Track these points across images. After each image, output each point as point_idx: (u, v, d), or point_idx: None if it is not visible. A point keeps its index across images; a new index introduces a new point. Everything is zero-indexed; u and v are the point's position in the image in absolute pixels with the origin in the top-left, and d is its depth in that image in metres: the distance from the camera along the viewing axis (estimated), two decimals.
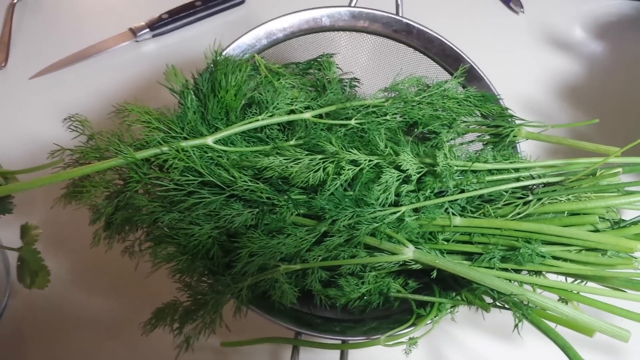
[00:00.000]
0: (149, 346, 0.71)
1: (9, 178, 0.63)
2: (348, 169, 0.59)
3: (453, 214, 0.60)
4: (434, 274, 0.60)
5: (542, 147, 0.87)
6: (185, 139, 0.61)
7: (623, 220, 0.60)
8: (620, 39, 1.11)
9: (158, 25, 1.06)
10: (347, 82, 0.78)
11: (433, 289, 0.63)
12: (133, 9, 1.12)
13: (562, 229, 0.57)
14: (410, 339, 0.59)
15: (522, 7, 1.13)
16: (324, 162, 0.60)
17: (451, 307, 0.61)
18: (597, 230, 0.58)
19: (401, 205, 0.60)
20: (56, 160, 0.60)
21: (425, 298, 0.61)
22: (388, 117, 0.67)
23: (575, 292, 0.59)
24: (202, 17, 1.10)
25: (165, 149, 0.59)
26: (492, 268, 0.58)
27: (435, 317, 0.60)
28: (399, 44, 0.77)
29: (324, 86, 0.73)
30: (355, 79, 0.78)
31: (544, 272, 0.59)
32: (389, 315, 0.65)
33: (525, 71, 1.04)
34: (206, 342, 0.57)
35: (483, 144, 0.71)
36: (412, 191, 0.61)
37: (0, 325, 0.72)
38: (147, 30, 1.05)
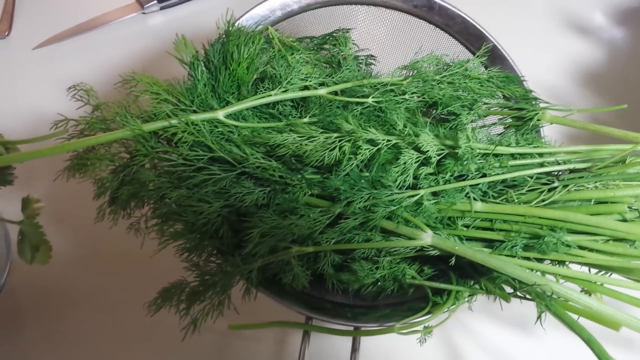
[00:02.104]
0: (152, 327, 0.69)
1: (10, 148, 0.61)
2: (365, 149, 0.57)
3: (474, 199, 0.58)
4: (452, 261, 0.57)
5: (562, 133, 0.84)
6: (195, 112, 0.59)
7: None
8: None
9: None
10: (362, 59, 0.75)
11: (450, 277, 0.60)
12: None
13: (589, 217, 0.55)
14: (425, 327, 0.57)
15: None
16: (340, 140, 0.57)
17: (469, 295, 0.58)
18: (625, 220, 0.56)
19: (420, 188, 0.57)
20: (59, 131, 0.57)
21: (443, 286, 0.59)
22: (407, 97, 0.64)
23: (600, 283, 0.56)
24: None
25: (174, 121, 0.56)
26: (514, 256, 0.56)
27: (452, 305, 0.57)
28: (419, 21, 0.74)
29: (339, 62, 0.71)
30: (372, 56, 0.75)
31: (567, 262, 0.57)
32: (402, 303, 0.63)
33: (544, 55, 1.01)
34: (213, 324, 0.54)
35: (505, 127, 0.68)
36: (431, 174, 0.59)
37: (0, 300, 0.70)
38: (155, 2, 1.02)
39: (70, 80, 0.90)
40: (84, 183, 0.57)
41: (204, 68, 0.61)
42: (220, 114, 0.59)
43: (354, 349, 0.60)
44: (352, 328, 0.59)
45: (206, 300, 0.55)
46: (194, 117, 0.57)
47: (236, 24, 0.66)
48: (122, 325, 0.71)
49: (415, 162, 0.57)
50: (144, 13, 1.02)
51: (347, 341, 0.61)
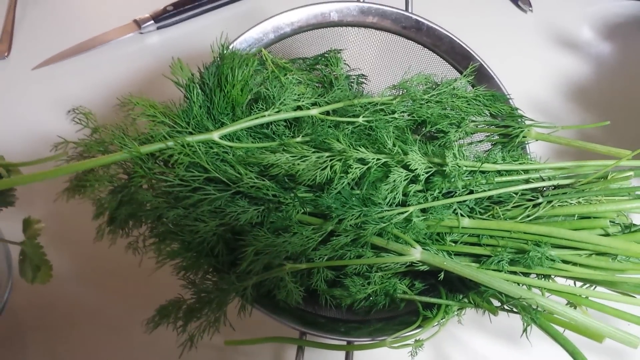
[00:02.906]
0: (151, 343, 0.70)
1: (12, 170, 0.62)
2: (356, 168, 0.58)
3: (461, 215, 0.60)
4: (441, 275, 0.59)
5: (550, 148, 0.86)
6: (191, 133, 0.60)
7: (634, 225, 0.59)
8: (628, 39, 1.10)
9: (163, 17, 1.05)
10: (354, 79, 0.77)
11: (440, 291, 0.62)
12: (137, 0, 1.10)
13: (573, 232, 0.56)
14: (416, 341, 0.58)
15: (530, 5, 1.12)
16: (331, 160, 0.59)
17: (458, 309, 0.60)
18: (607, 235, 0.58)
19: (409, 205, 0.59)
20: (59, 153, 0.59)
21: (432, 300, 0.60)
22: (396, 115, 0.66)
23: (584, 296, 0.58)
24: (208, 9, 1.08)
25: (170, 143, 0.58)
26: (501, 271, 0.57)
27: (442, 319, 0.59)
28: (408, 41, 0.76)
29: (330, 82, 0.73)
30: (363, 75, 0.77)
31: (552, 276, 0.59)
32: (394, 317, 0.64)
33: (532, 71, 1.03)
34: (210, 340, 0.56)
35: (492, 144, 0.70)
36: (420, 191, 0.60)
37: (2, 320, 0.71)
38: (152, 22, 1.04)
39: (69, 100, 0.93)
40: (83, 203, 0.59)
41: (199, 90, 0.63)
42: (215, 135, 0.60)
43: None
44: (345, 342, 0.60)
45: (202, 317, 0.57)
46: (189, 138, 0.59)
47: (230, 47, 0.68)
48: (122, 342, 0.72)
49: (405, 180, 0.59)
50: (141, 33, 1.05)
51: (341, 355, 0.62)
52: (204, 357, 0.70)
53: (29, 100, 0.95)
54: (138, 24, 1.04)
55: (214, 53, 0.65)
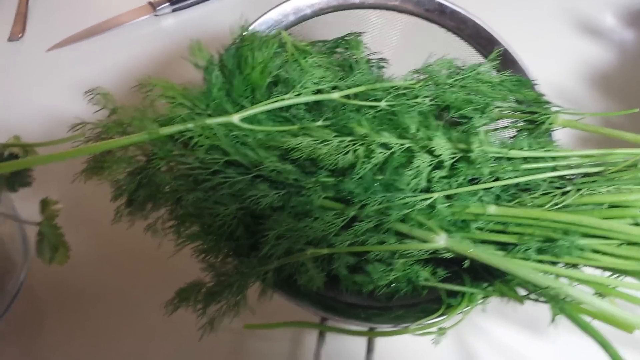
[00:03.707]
0: (169, 326, 0.70)
1: (28, 151, 0.62)
2: (379, 152, 0.57)
3: (487, 203, 0.58)
4: (466, 263, 0.58)
5: (573, 136, 0.84)
6: (210, 116, 0.59)
7: None
8: None
9: (178, 0, 1.03)
10: (374, 63, 0.75)
11: (463, 279, 0.61)
12: None
13: (602, 221, 0.55)
14: (439, 329, 0.57)
15: None
16: (353, 144, 0.58)
17: (482, 297, 0.59)
18: (638, 224, 0.56)
19: (433, 191, 0.58)
20: (77, 134, 0.58)
21: (457, 288, 0.59)
22: (419, 100, 0.65)
23: (612, 286, 0.56)
24: None
25: (190, 125, 0.57)
26: (528, 259, 0.56)
27: (466, 307, 0.58)
28: (431, 24, 0.75)
29: (351, 66, 0.71)
30: (384, 59, 0.76)
31: (580, 265, 0.57)
32: (416, 304, 0.63)
33: (554, 57, 1.01)
34: (231, 324, 0.55)
35: (517, 131, 0.69)
36: (444, 177, 0.59)
37: (18, 301, 0.71)
38: (167, 4, 1.03)
39: (83, 82, 0.92)
40: (99, 185, 0.58)
41: (218, 72, 0.62)
42: (235, 118, 0.59)
43: (369, 349, 0.60)
44: (366, 329, 0.60)
45: (222, 300, 0.56)
46: (209, 121, 0.58)
47: (250, 29, 0.67)
48: (140, 325, 0.71)
49: (429, 166, 0.58)
50: (156, 15, 1.03)
51: (362, 341, 0.61)
52: (222, 341, 0.69)
53: (43, 82, 0.94)
54: (153, 6, 1.03)
55: (233, 34, 0.64)
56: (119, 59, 0.97)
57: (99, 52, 0.98)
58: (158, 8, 1.02)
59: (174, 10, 1.04)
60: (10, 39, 0.99)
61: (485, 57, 0.72)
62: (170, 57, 0.98)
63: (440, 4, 0.73)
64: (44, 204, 0.61)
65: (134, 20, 1.02)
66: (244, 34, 0.63)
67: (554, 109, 0.67)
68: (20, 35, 0.99)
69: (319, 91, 0.64)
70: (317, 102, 0.65)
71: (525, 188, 0.60)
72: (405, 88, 0.66)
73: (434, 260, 0.61)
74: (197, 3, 1.05)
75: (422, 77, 0.68)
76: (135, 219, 0.59)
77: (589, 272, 0.58)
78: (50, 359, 0.70)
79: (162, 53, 0.98)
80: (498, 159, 0.60)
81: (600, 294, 0.56)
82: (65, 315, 0.72)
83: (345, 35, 0.73)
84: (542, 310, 0.57)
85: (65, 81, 0.93)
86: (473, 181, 0.60)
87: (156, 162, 0.57)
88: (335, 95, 0.64)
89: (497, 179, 0.59)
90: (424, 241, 0.57)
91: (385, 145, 0.58)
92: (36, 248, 0.61)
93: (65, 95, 0.91)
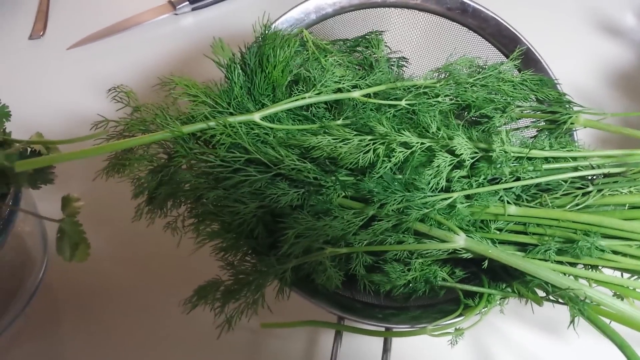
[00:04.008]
0: (187, 324, 0.70)
1: (50, 148, 0.62)
2: (399, 152, 0.57)
3: (507, 203, 0.58)
4: (485, 264, 0.57)
5: (593, 136, 0.84)
6: (232, 114, 0.60)
7: None
8: None
9: None
10: (394, 61, 0.75)
11: (481, 279, 0.60)
12: None
13: (624, 222, 0.55)
14: (456, 329, 0.57)
15: None
16: (373, 143, 0.58)
17: (500, 298, 0.59)
18: None
19: (453, 191, 0.58)
20: (99, 132, 0.59)
21: (475, 288, 0.59)
22: (440, 99, 0.65)
23: (632, 288, 0.56)
24: None
25: (212, 123, 0.57)
26: (547, 260, 0.56)
27: (483, 308, 0.58)
28: (452, 23, 0.75)
29: (371, 64, 0.71)
30: (404, 58, 0.76)
31: (600, 267, 0.57)
32: (433, 304, 0.63)
33: (575, 56, 1.01)
34: (247, 322, 0.55)
35: (537, 131, 0.68)
36: (464, 177, 0.59)
37: (37, 297, 0.72)
38: (187, 3, 1.03)
39: (103, 80, 0.93)
40: (119, 183, 0.59)
41: (240, 71, 0.62)
42: (257, 116, 0.60)
43: (386, 349, 0.60)
44: (383, 329, 0.60)
45: (241, 298, 0.56)
46: (231, 119, 0.58)
47: (272, 27, 0.67)
48: (157, 323, 0.72)
49: (449, 165, 0.58)
50: (176, 14, 1.04)
51: (379, 341, 0.61)
52: (239, 339, 0.70)
53: (64, 80, 0.95)
54: (173, 5, 1.03)
55: (255, 33, 0.64)
56: (138, 57, 0.98)
57: (118, 50, 0.99)
58: (178, 7, 1.03)
59: (193, 9, 1.04)
60: (31, 37, 1.00)
61: (507, 56, 0.72)
62: (190, 56, 0.98)
63: (463, 3, 0.73)
64: (66, 201, 0.62)
65: (154, 19, 1.03)
66: (266, 32, 0.63)
67: (575, 108, 0.67)
68: (41, 34, 1.01)
69: (339, 90, 0.64)
70: (337, 101, 0.65)
71: (546, 188, 0.60)
72: (426, 87, 0.65)
73: (452, 260, 0.61)
74: (216, 2, 1.06)
75: (442, 76, 0.67)
76: (155, 216, 0.59)
77: (609, 273, 0.57)
78: (68, 354, 0.70)
79: (181, 51, 0.99)
80: (519, 158, 0.59)
81: (619, 296, 0.56)
82: (82, 312, 0.73)
83: (366, 34, 0.73)
84: (559, 311, 0.57)
85: (85, 79, 0.94)
86: (493, 181, 0.60)
87: (177, 159, 0.57)
88: (356, 94, 0.64)
89: (517, 179, 0.59)
90: (443, 241, 0.57)
91: (405, 144, 0.58)
92: (56, 245, 0.62)
93: (85, 93, 0.92)
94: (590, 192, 0.57)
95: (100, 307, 0.73)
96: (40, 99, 0.92)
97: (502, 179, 0.59)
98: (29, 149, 0.60)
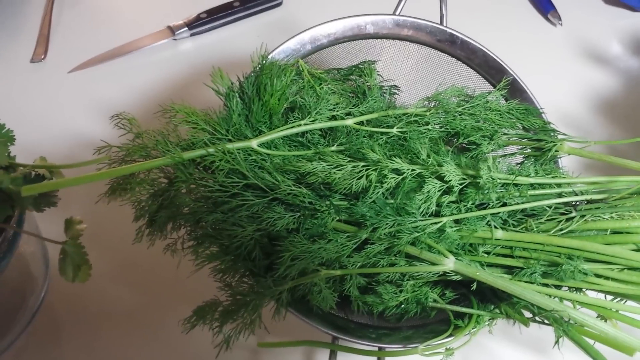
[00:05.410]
0: (186, 344, 0.72)
1: (54, 172, 0.64)
2: (391, 178, 0.59)
3: (495, 227, 0.60)
4: (474, 286, 0.60)
5: (579, 162, 0.87)
6: (230, 141, 0.62)
7: None
8: None
9: (196, 25, 1.07)
10: (387, 89, 0.78)
11: (470, 300, 0.63)
12: (172, 7, 1.13)
13: (605, 247, 0.57)
14: (447, 349, 0.59)
15: (560, 19, 1.13)
16: (366, 169, 0.60)
17: (489, 319, 0.61)
18: (639, 250, 0.58)
19: (442, 215, 0.60)
20: (101, 157, 0.61)
21: (464, 310, 0.61)
22: (430, 127, 0.67)
23: (615, 310, 0.58)
24: (240, 17, 1.10)
25: (211, 150, 0.60)
26: (533, 283, 0.58)
27: (473, 328, 0.60)
28: (442, 54, 0.78)
29: (364, 92, 0.74)
30: (395, 86, 0.78)
31: (584, 289, 0.59)
32: (424, 325, 0.65)
33: (561, 84, 1.04)
34: (245, 341, 0.57)
35: (524, 157, 0.71)
36: (453, 202, 0.61)
37: (38, 316, 0.73)
38: (186, 29, 1.06)
39: (105, 103, 0.95)
40: (120, 206, 0.60)
41: (238, 99, 0.65)
42: (254, 143, 0.62)
43: None
44: (376, 348, 0.62)
45: (238, 319, 0.58)
46: (229, 145, 0.60)
47: (269, 57, 0.70)
48: (156, 343, 0.73)
49: (439, 191, 0.60)
50: (174, 39, 1.07)
51: None
52: (236, 359, 0.71)
53: (65, 103, 0.97)
54: (172, 30, 1.06)
55: (253, 63, 0.66)
56: (138, 81, 1.00)
57: (119, 74, 1.02)
58: (177, 32, 1.06)
59: (192, 35, 1.07)
60: (32, 60, 1.02)
61: (494, 85, 0.75)
62: (188, 80, 1.01)
63: (452, 35, 0.76)
64: (69, 224, 0.64)
65: (154, 44, 1.06)
66: (264, 62, 0.66)
67: (560, 136, 0.69)
68: (42, 57, 1.03)
69: (333, 117, 0.67)
70: (331, 128, 0.67)
71: (532, 214, 0.63)
72: (417, 115, 0.68)
73: (443, 282, 0.64)
74: (214, 28, 1.09)
75: (432, 104, 0.70)
76: (156, 238, 0.61)
77: (591, 295, 0.60)
78: None
79: (180, 76, 1.01)
80: (505, 184, 0.62)
81: (603, 317, 0.58)
82: (83, 331, 0.74)
83: (359, 63, 0.76)
84: (545, 332, 0.59)
85: (86, 102, 0.97)
86: (481, 206, 0.62)
87: (178, 184, 0.60)
88: (350, 121, 0.66)
89: (504, 204, 0.61)
90: (433, 264, 0.59)
91: (396, 171, 0.60)
92: (59, 266, 0.63)
93: (86, 116, 0.94)
94: (574, 217, 0.60)
95: (101, 326, 0.74)
96: (41, 122, 0.94)
97: (489, 204, 0.61)
98: (33, 173, 0.62)
